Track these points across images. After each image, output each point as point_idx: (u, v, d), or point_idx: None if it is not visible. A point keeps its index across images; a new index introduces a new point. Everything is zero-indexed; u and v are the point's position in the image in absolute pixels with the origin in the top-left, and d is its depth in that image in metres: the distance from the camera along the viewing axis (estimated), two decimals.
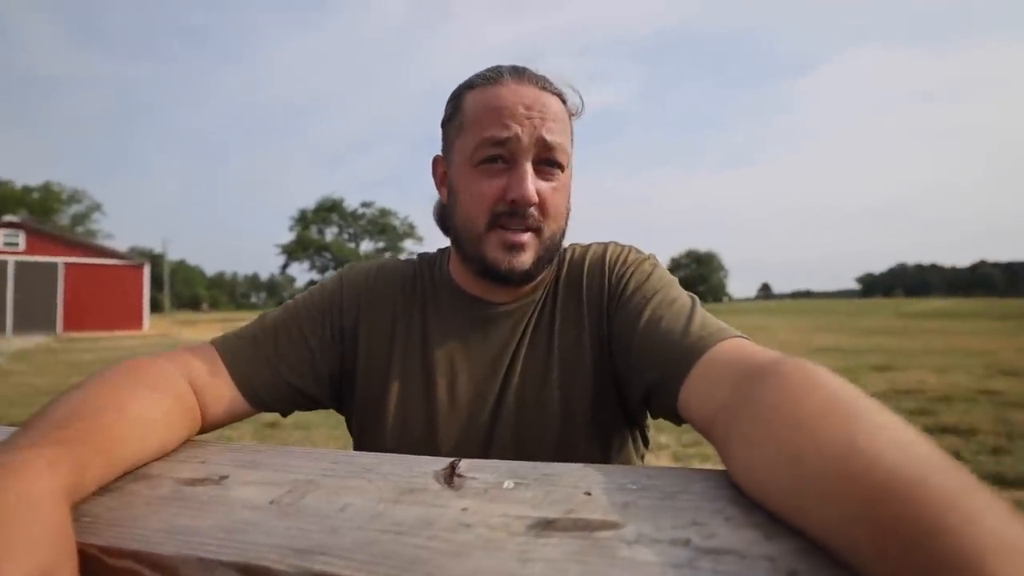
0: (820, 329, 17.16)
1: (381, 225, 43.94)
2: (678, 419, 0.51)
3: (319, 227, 42.78)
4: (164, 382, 0.50)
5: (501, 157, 0.59)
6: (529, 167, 0.59)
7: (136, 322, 20.72)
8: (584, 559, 0.28)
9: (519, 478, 0.40)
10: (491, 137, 0.59)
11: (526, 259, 0.60)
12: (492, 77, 0.62)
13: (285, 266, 42.33)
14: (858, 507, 0.25)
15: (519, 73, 0.62)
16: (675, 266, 72.33)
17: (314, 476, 0.41)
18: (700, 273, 69.52)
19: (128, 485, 0.40)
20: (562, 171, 0.62)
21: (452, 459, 0.44)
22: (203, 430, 0.55)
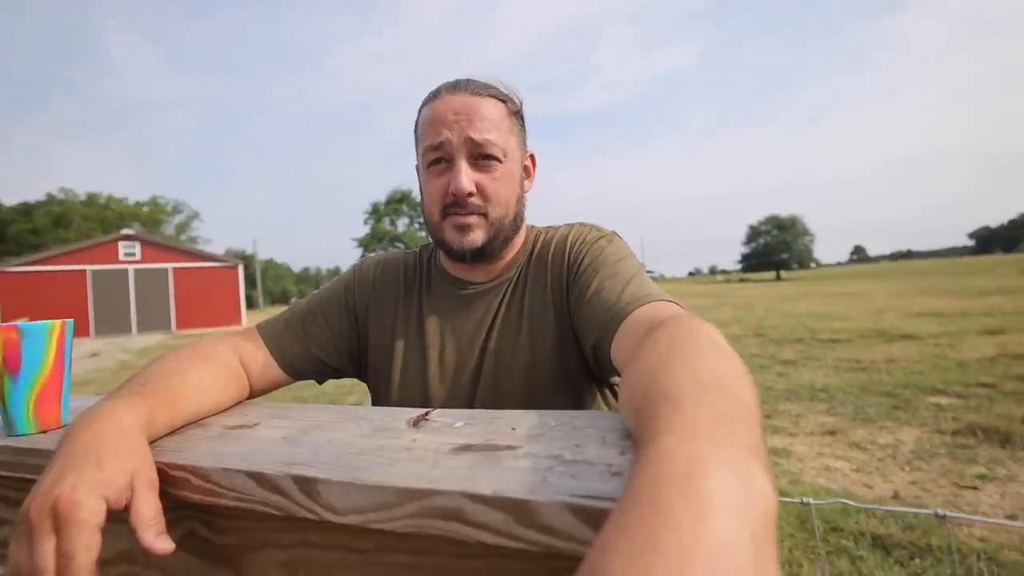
0: (922, 292, 15.69)
1: None
2: (617, 372, 0.60)
3: (391, 219, 44.53)
4: (217, 357, 0.65)
5: (442, 159, 0.71)
6: (462, 164, 0.70)
7: (235, 318, 22.74)
8: (476, 466, 0.38)
9: (471, 420, 0.50)
10: (430, 144, 0.71)
11: (476, 238, 0.71)
12: (434, 94, 0.74)
13: None
14: (635, 414, 0.33)
15: (455, 86, 0.73)
16: (754, 234, 68.17)
17: (320, 423, 0.54)
18: (783, 240, 65.05)
19: (189, 430, 0.55)
20: (500, 162, 0.72)
21: (427, 410, 0.56)
22: (252, 395, 0.70)
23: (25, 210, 48.45)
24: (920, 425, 3.63)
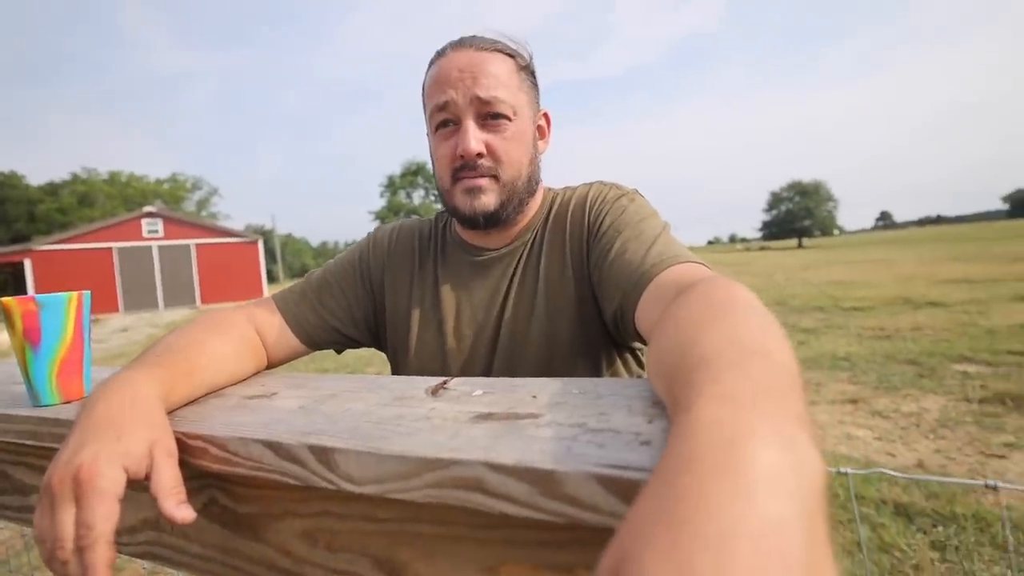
0: (951, 258, 15.24)
1: None
2: (641, 338, 0.58)
3: (407, 191, 44.38)
4: (234, 328, 0.64)
5: (449, 120, 0.67)
6: (471, 124, 0.66)
7: (257, 291, 23.15)
8: (496, 435, 0.36)
9: (490, 389, 0.49)
10: (436, 105, 0.68)
11: (487, 201, 0.68)
12: (440, 52, 0.70)
13: None
14: (668, 381, 0.31)
15: (460, 43, 0.69)
16: (775, 201, 66.41)
17: (337, 392, 0.53)
18: (806, 206, 63.25)
19: (208, 400, 0.54)
20: (509, 120, 0.68)
21: (446, 378, 0.54)
22: (270, 365, 0.70)
23: (51, 190, 49.46)
24: (946, 393, 3.56)
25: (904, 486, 2.35)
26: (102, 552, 0.35)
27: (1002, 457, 2.61)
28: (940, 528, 2.04)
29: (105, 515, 0.36)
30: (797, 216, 63.30)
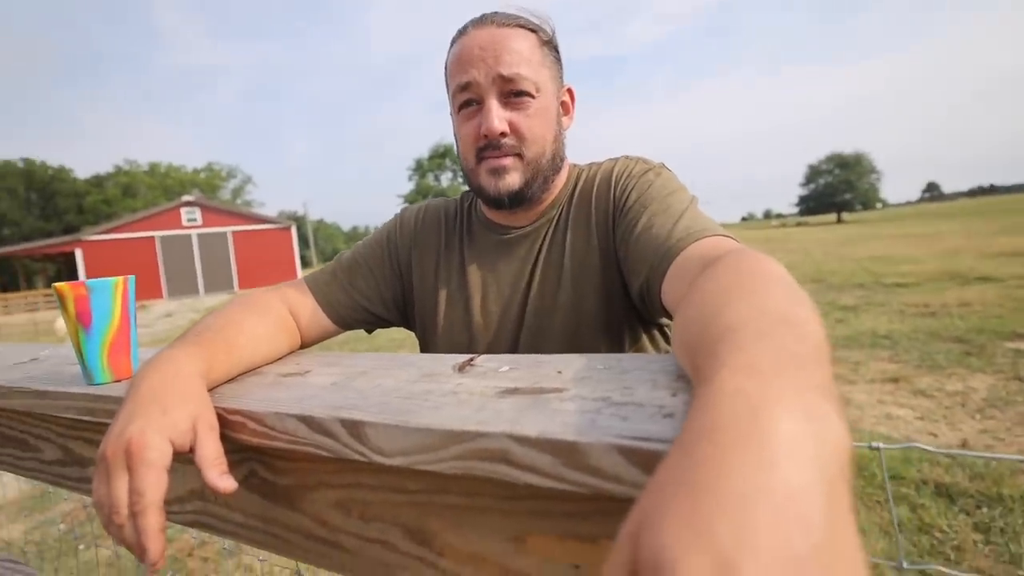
0: (1003, 231, 14.44)
1: None
2: (668, 314, 0.57)
3: (435, 174, 44.48)
4: (269, 309, 0.67)
5: (472, 100, 0.67)
6: (493, 103, 0.66)
7: (291, 276, 23.65)
8: (522, 409, 0.37)
9: (516, 365, 0.49)
10: (458, 85, 0.67)
11: (512, 180, 0.68)
12: (461, 31, 0.69)
13: None
14: (692, 353, 0.31)
15: (481, 20, 0.68)
16: (813, 174, 63.77)
17: (368, 369, 0.55)
18: (846, 179, 60.46)
19: (247, 377, 0.57)
20: (533, 97, 0.67)
21: (472, 355, 0.55)
22: (303, 345, 0.72)
23: (97, 182, 51.62)
24: (995, 372, 3.41)
25: (947, 466, 2.28)
26: (153, 517, 0.38)
27: None
28: (985, 509, 1.97)
29: (155, 483, 0.38)
30: (837, 190, 60.58)
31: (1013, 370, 3.40)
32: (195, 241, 22.77)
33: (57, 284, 0.61)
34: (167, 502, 0.40)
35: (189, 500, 0.55)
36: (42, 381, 0.66)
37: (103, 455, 0.40)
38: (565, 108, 0.76)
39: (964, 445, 2.54)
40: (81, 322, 0.61)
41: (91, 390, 0.59)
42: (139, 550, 0.38)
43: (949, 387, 3.25)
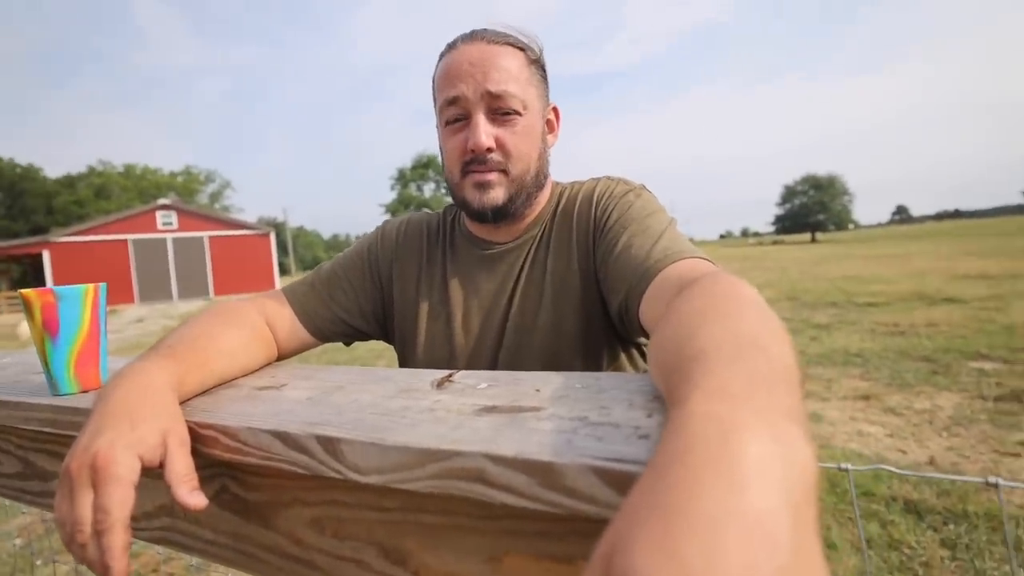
0: (969, 254, 14.98)
1: None
2: (645, 333, 0.58)
3: (417, 184, 44.36)
4: (245, 320, 0.66)
5: (461, 114, 0.68)
6: (481, 118, 0.67)
7: (269, 283, 23.39)
8: (498, 428, 0.37)
9: (494, 382, 0.49)
10: (446, 99, 0.68)
11: (496, 195, 0.69)
12: (450, 45, 0.70)
13: None
14: (666, 375, 0.31)
15: (471, 36, 0.69)
16: (789, 194, 65.54)
17: (345, 384, 0.54)
18: (820, 200, 62.35)
19: (220, 390, 0.56)
20: (519, 115, 0.69)
21: (451, 371, 0.55)
22: (280, 357, 0.71)
23: (68, 182, 50.23)
24: (960, 390, 3.52)
25: (915, 483, 2.33)
26: (119, 535, 0.37)
27: (1017, 455, 2.57)
28: (951, 526, 2.02)
29: (121, 500, 0.37)
30: (811, 210, 62.41)
31: (977, 389, 3.51)
32: (170, 245, 22.27)
33: (23, 291, 0.59)
34: (133, 518, 0.39)
35: (156, 516, 0.53)
36: (3, 390, 0.63)
37: (67, 470, 0.39)
38: (550, 126, 0.77)
39: (931, 462, 2.61)
40: (48, 330, 0.59)
41: (56, 401, 0.57)
42: (101, 569, 0.37)
43: (917, 405, 3.34)
